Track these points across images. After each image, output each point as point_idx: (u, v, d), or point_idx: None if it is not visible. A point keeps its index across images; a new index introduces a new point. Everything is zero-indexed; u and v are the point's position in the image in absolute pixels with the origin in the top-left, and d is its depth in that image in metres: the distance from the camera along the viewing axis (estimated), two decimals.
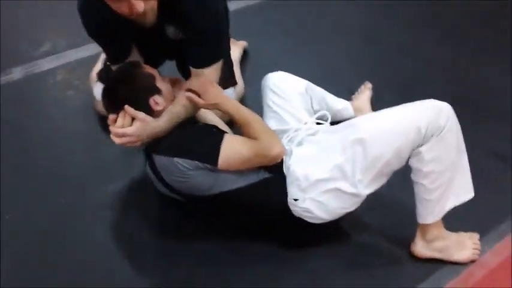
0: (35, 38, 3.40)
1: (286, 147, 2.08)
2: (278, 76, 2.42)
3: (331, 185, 1.99)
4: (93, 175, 2.53)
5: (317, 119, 2.32)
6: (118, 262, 2.18)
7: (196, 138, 2.03)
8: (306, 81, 2.48)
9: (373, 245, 2.21)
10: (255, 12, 3.71)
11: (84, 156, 2.63)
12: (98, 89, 2.69)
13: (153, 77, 2.06)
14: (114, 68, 2.24)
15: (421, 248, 2.12)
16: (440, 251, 2.11)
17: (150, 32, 2.09)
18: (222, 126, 2.31)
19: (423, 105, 1.99)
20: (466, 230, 2.17)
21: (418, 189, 2.03)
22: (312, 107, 2.46)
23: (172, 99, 2.09)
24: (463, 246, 2.13)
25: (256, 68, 3.08)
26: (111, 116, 2.03)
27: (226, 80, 2.21)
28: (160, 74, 2.11)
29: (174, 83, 2.16)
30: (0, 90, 2.99)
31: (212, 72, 2.15)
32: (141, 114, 1.99)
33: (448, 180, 1.99)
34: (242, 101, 2.73)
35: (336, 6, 3.74)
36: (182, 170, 1.97)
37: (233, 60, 2.76)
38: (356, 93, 2.86)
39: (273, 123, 2.28)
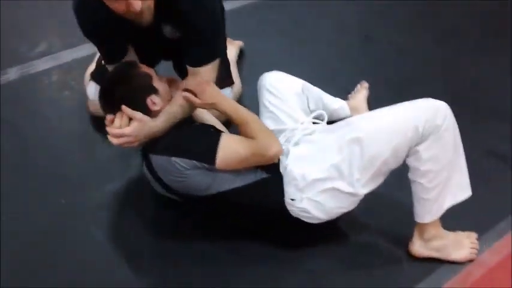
0: (31, 38, 3.38)
1: (283, 147, 2.07)
2: (274, 76, 2.41)
3: (329, 185, 1.98)
4: (90, 175, 2.52)
5: (314, 118, 2.32)
6: (116, 262, 2.18)
7: (193, 138, 2.03)
8: (302, 81, 2.47)
9: (371, 244, 2.21)
10: (251, 11, 3.70)
11: (80, 157, 2.62)
12: (91, 88, 2.71)
13: (149, 77, 2.06)
14: (110, 68, 2.23)
15: (418, 247, 2.11)
16: (438, 250, 2.10)
17: (146, 31, 2.08)
18: (219, 126, 2.30)
19: (420, 104, 1.99)
20: (464, 230, 2.17)
21: (415, 188, 2.03)
22: (309, 106, 2.46)
23: (169, 99, 2.09)
24: (460, 245, 2.12)
25: (252, 67, 3.07)
26: (109, 117, 2.02)
27: (223, 80, 2.20)
28: (157, 74, 2.11)
29: (170, 83, 2.15)
30: None
31: (209, 71, 2.15)
32: (138, 115, 1.99)
33: (445, 179, 1.99)
34: (239, 100, 2.73)
35: (333, 6, 3.74)
36: (180, 170, 1.97)
37: (230, 59, 2.76)
38: (352, 92, 2.86)
39: (269, 123, 2.27)
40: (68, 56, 3.21)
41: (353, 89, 2.87)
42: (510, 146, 2.60)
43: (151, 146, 2.04)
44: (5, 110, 2.84)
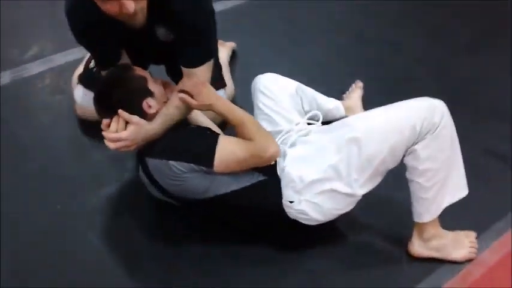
0: (23, 41, 3.36)
1: (280, 149, 2.05)
2: (268, 78, 2.40)
3: (326, 186, 1.97)
4: (85, 179, 2.50)
5: (308, 119, 2.32)
6: (113, 266, 2.16)
7: (191, 140, 2.01)
8: (296, 82, 2.46)
9: (370, 245, 2.20)
10: (242, 12, 3.68)
11: (75, 160, 2.60)
12: (78, 92, 2.70)
13: (145, 80, 2.04)
14: (103, 73, 2.21)
15: (418, 247, 2.11)
16: (437, 250, 2.10)
17: (139, 34, 2.07)
18: (214, 128, 2.30)
19: (417, 103, 1.99)
20: (464, 229, 2.17)
21: (413, 188, 2.02)
22: (303, 107, 2.45)
23: (164, 102, 2.08)
24: (460, 244, 2.12)
25: (245, 68, 3.06)
26: (105, 121, 2.01)
27: (216, 82, 2.19)
28: (151, 76, 2.09)
29: (165, 86, 2.14)
30: None
31: (204, 71, 2.13)
32: (135, 118, 1.98)
33: (443, 178, 1.99)
34: (232, 102, 2.69)
35: (325, 5, 3.72)
36: (177, 173, 1.95)
37: (222, 61, 2.76)
38: (347, 92, 2.85)
39: (264, 125, 2.25)
40: (60, 59, 3.18)
41: (347, 89, 2.86)
42: (509, 145, 2.60)
43: (148, 149, 2.03)
44: None
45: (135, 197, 2.39)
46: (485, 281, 2.07)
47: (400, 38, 3.41)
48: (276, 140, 2.15)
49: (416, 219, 2.06)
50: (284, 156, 2.07)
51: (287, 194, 2.01)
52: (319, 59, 3.26)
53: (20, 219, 2.32)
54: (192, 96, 2.02)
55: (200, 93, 2.01)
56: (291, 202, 2.00)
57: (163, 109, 2.05)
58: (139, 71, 2.08)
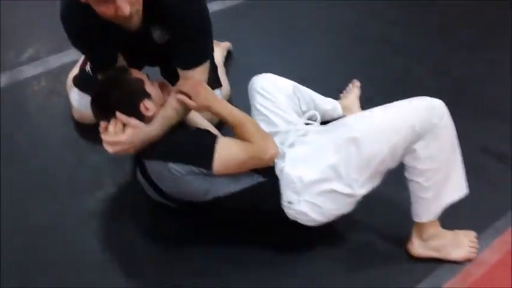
0: (18, 44, 3.35)
1: (279, 150, 2.05)
2: (265, 78, 2.39)
3: (326, 186, 1.97)
4: (82, 182, 2.49)
5: (307, 119, 2.31)
6: (111, 269, 2.15)
7: (190, 142, 2.01)
8: (293, 83, 2.45)
9: (370, 245, 2.19)
10: (238, 12, 3.67)
11: (72, 163, 2.59)
12: (74, 95, 2.69)
13: (142, 82, 2.04)
14: (100, 76, 2.20)
15: (417, 247, 2.10)
16: (437, 249, 2.10)
17: (134, 36, 2.06)
18: (212, 129, 2.29)
19: (416, 102, 1.98)
20: (463, 228, 2.16)
21: (413, 188, 2.02)
22: (300, 108, 2.44)
23: (162, 104, 2.07)
24: (459, 244, 2.12)
25: (241, 69, 3.06)
26: (103, 124, 2.00)
27: (211, 83, 2.19)
28: (148, 78, 2.09)
29: (162, 87, 2.13)
30: None
31: (200, 72, 2.13)
32: (133, 121, 1.97)
33: (443, 178, 1.98)
34: (229, 103, 2.68)
35: (321, 5, 3.71)
36: (176, 175, 1.95)
37: (217, 62, 2.74)
38: (344, 91, 2.84)
39: (263, 126, 2.21)
40: (57, 61, 3.17)
41: (345, 89, 2.85)
42: (509, 144, 2.60)
43: (146, 151, 2.02)
44: None
45: (133, 199, 2.38)
46: (485, 280, 2.06)
47: (398, 38, 3.40)
48: (275, 140, 2.12)
49: (416, 219, 2.06)
50: (283, 157, 2.06)
51: (286, 194, 2.00)
52: (316, 58, 3.25)
53: (17, 221, 2.31)
54: (190, 98, 2.01)
55: (198, 95, 2.00)
56: (290, 203, 2.00)
57: (161, 111, 2.04)
58: (136, 73, 2.07)
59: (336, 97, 2.74)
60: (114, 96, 1.98)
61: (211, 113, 2.06)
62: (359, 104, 2.77)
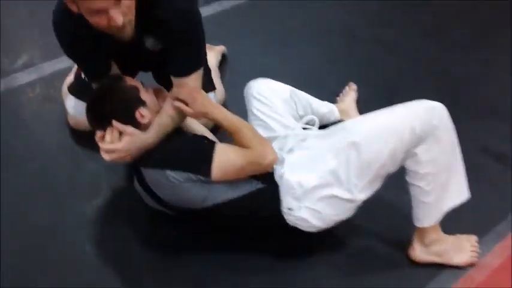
0: (12, 50, 3.33)
1: (277, 155, 2.03)
2: (261, 83, 2.38)
3: (326, 192, 1.95)
4: (78, 189, 2.47)
5: (305, 124, 2.30)
6: (107, 277, 2.13)
7: (187, 149, 2.00)
8: (290, 87, 2.45)
9: (371, 251, 2.18)
10: (232, 15, 3.66)
11: (67, 170, 2.57)
12: (70, 102, 2.68)
13: (136, 89, 2.03)
14: (94, 85, 2.20)
15: (419, 252, 2.09)
16: (438, 255, 2.08)
17: (127, 45, 2.05)
18: (209, 135, 2.29)
19: (416, 105, 1.98)
20: (464, 232, 2.15)
21: (414, 192, 2.01)
22: (297, 112, 2.44)
23: (157, 111, 2.06)
24: (461, 249, 2.10)
25: (236, 72, 3.05)
26: (99, 133, 1.99)
27: (204, 86, 2.19)
28: (143, 86, 2.08)
29: (157, 94, 2.13)
30: None
31: (194, 80, 2.12)
32: (129, 128, 1.96)
33: (444, 182, 1.97)
34: (224, 107, 2.68)
35: (317, 6, 3.70)
36: (174, 183, 1.93)
37: (211, 65, 2.74)
38: (341, 95, 2.84)
39: (260, 132, 2.21)
40: (51, 67, 3.16)
41: (341, 91, 2.84)
42: (509, 145, 2.59)
43: (143, 159, 2.01)
44: None
45: (130, 207, 2.35)
46: (487, 285, 2.05)
47: (396, 38, 3.40)
48: (273, 145, 2.12)
49: (417, 223, 2.04)
50: (282, 162, 2.05)
51: (286, 201, 1.99)
52: (311, 61, 3.25)
53: (14, 227, 2.29)
54: (186, 104, 2.00)
55: (195, 101, 1.99)
56: (290, 209, 1.98)
57: (156, 118, 2.04)
58: (130, 81, 2.07)
59: (332, 99, 2.73)
60: (109, 105, 1.98)
61: (208, 119, 2.05)
62: (356, 107, 2.76)
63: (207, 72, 2.54)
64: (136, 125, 1.98)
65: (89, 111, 2.03)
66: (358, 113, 2.71)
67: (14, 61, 3.23)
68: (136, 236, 2.27)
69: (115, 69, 2.20)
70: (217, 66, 3.04)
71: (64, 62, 3.03)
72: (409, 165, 1.96)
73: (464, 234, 2.14)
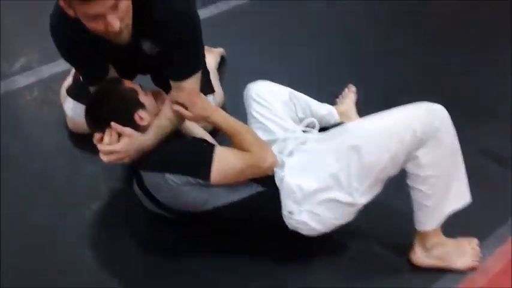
0: (10, 53, 3.32)
1: (277, 159, 2.03)
2: (260, 85, 2.38)
3: (327, 195, 1.94)
4: (76, 192, 2.46)
5: (305, 126, 2.30)
6: (107, 281, 2.12)
7: (186, 152, 2.00)
8: (289, 89, 2.44)
9: (372, 255, 2.16)
10: (231, 17, 3.65)
11: (66, 174, 2.56)
12: (69, 105, 2.67)
13: (135, 92, 2.03)
14: (92, 89, 2.19)
15: (420, 256, 2.08)
16: (440, 258, 2.07)
17: (125, 49, 2.06)
18: (208, 138, 2.28)
19: (416, 108, 1.97)
20: (465, 235, 2.14)
21: (415, 195, 2.00)
22: (297, 114, 2.43)
23: (156, 113, 2.06)
24: (462, 252, 2.09)
25: (235, 75, 3.04)
26: (97, 135, 1.99)
27: (203, 88, 2.19)
28: (142, 88, 2.08)
29: (156, 96, 2.13)
30: None
31: (192, 83, 2.12)
32: (128, 130, 1.96)
33: (446, 185, 1.97)
34: (223, 109, 2.67)
35: (316, 9, 3.69)
36: (173, 186, 1.93)
37: (210, 68, 2.73)
38: (340, 97, 2.83)
39: (260, 134, 2.21)
40: (49, 70, 3.15)
41: (340, 94, 2.83)
42: (510, 148, 2.58)
43: (142, 162, 2.01)
44: None
45: (129, 210, 2.34)
46: None
47: (395, 40, 3.39)
48: (273, 148, 2.12)
49: (419, 227, 2.03)
50: (282, 165, 2.04)
51: (287, 204, 1.98)
52: (311, 63, 3.24)
53: (13, 228, 2.29)
54: (186, 108, 2.00)
55: (195, 105, 1.99)
56: (291, 213, 1.98)
57: (155, 121, 2.04)
58: (129, 83, 2.07)
59: (331, 101, 2.73)
60: (108, 107, 1.98)
61: (207, 122, 2.05)
62: (355, 109, 2.75)
63: (206, 74, 2.54)
64: (135, 127, 1.98)
65: (88, 113, 2.03)
66: (357, 115, 2.70)
67: (13, 64, 3.22)
68: (135, 239, 2.27)
69: (113, 73, 2.20)
70: (216, 69, 3.03)
71: (62, 65, 2.99)
72: (410, 168, 1.95)
73: (465, 238, 2.13)
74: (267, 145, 2.02)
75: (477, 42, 3.36)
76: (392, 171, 1.94)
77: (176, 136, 2.12)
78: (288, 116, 2.35)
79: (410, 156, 1.91)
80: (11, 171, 2.54)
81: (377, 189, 1.98)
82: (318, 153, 2.04)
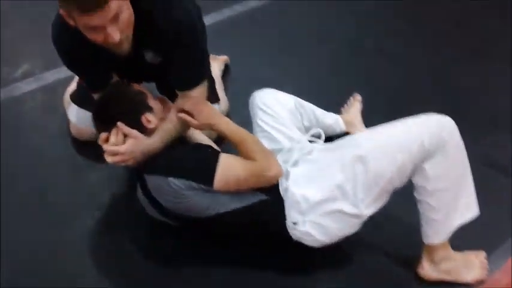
0: (12, 59, 3.31)
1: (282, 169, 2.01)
2: (266, 94, 2.37)
3: (332, 206, 1.93)
4: (79, 201, 2.44)
5: (311, 136, 2.29)
6: None
7: (191, 157, 2.01)
8: (295, 97, 2.43)
9: (378, 267, 2.14)
10: (234, 25, 3.64)
11: (69, 181, 2.55)
12: (72, 111, 2.67)
13: (144, 95, 2.06)
14: (95, 96, 2.19)
15: (428, 270, 2.05)
16: (448, 272, 2.05)
17: (126, 59, 2.07)
18: (212, 145, 2.26)
19: (424, 120, 1.96)
20: (471, 248, 2.11)
21: (423, 209, 1.98)
22: (303, 123, 2.42)
23: (163, 118, 2.07)
24: (471, 266, 2.07)
25: (240, 83, 3.03)
26: (103, 135, 1.99)
27: (209, 97, 2.22)
28: (150, 93, 2.10)
29: (162, 103, 2.13)
30: None
31: (200, 92, 2.12)
32: (134, 132, 1.97)
33: (453, 198, 1.95)
34: (227, 117, 2.67)
35: (320, 17, 3.69)
36: (176, 190, 1.92)
37: (215, 76, 2.73)
38: (345, 105, 2.81)
39: (265, 143, 2.19)
40: (51, 77, 3.14)
41: (345, 101, 2.82)
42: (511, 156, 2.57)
43: (147, 166, 2.01)
44: None
45: (131, 218, 2.34)
46: None
47: (397, 48, 3.38)
48: (277, 158, 2.10)
49: (427, 240, 2.01)
50: (287, 175, 2.02)
51: (291, 215, 1.96)
52: (314, 70, 3.23)
53: (12, 238, 2.26)
54: (192, 116, 2.00)
55: (201, 113, 2.00)
56: (295, 224, 1.96)
57: (162, 125, 2.04)
58: (138, 86, 2.10)
59: (336, 109, 2.71)
60: (116, 108, 2.00)
61: (213, 130, 2.06)
62: (361, 119, 2.73)
63: (211, 83, 2.53)
64: (142, 130, 1.99)
65: (96, 112, 2.05)
66: (362, 124, 2.69)
67: (15, 70, 3.21)
68: (138, 247, 2.26)
69: (116, 79, 2.21)
70: (221, 77, 3.02)
71: (64, 71, 2.96)
72: (418, 181, 1.93)
73: (473, 251, 2.10)
74: (272, 154, 2.01)
75: (478, 52, 3.35)
76: (399, 183, 1.93)
77: (181, 142, 2.12)
78: (293, 125, 2.34)
79: (417, 168, 1.90)
80: (13, 178, 2.53)
81: (383, 201, 1.96)
82: (324, 163, 2.02)
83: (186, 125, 2.08)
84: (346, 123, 2.64)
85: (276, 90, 2.39)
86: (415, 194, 1.96)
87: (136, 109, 2.01)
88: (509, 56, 3.29)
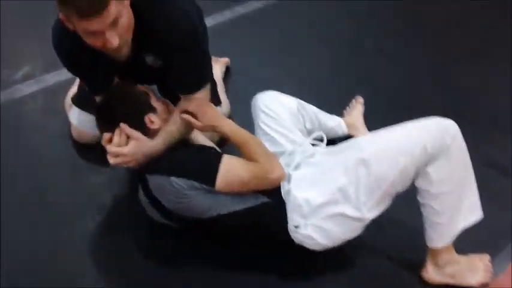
0: (13, 61, 3.31)
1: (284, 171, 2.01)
2: (268, 96, 2.36)
3: (334, 210, 1.92)
4: (80, 203, 2.44)
5: (313, 139, 2.28)
6: None
7: (194, 158, 2.01)
8: (297, 100, 2.42)
9: (382, 271, 2.13)
10: (235, 27, 3.63)
11: (70, 183, 2.54)
12: (74, 113, 2.66)
13: (148, 95, 2.06)
14: (97, 98, 2.19)
15: (432, 274, 2.05)
16: (452, 276, 2.04)
17: (126, 63, 2.07)
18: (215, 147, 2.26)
19: (428, 123, 1.95)
20: (474, 251, 2.10)
21: (426, 212, 1.97)
22: (305, 126, 2.41)
23: (166, 119, 2.07)
24: (475, 269, 2.06)
25: (241, 85, 3.03)
26: (106, 135, 2.00)
27: (211, 100, 2.21)
28: (154, 94, 2.11)
29: (165, 105, 2.14)
30: None
31: (203, 95, 2.12)
32: (136, 133, 1.97)
33: (457, 201, 1.94)
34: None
35: (321, 19, 3.68)
36: (178, 190, 1.92)
37: (216, 78, 2.73)
38: (348, 108, 2.80)
39: (267, 146, 2.19)
40: (52, 79, 3.14)
41: (345, 101, 2.81)
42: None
43: (150, 166, 2.01)
44: None
45: (133, 220, 2.33)
46: None
47: (397, 48, 3.38)
48: (280, 161, 2.09)
49: (431, 244, 2.01)
50: (289, 178, 2.02)
51: (293, 218, 1.96)
52: (316, 72, 3.23)
53: (12, 241, 2.26)
54: (195, 117, 2.00)
55: (205, 115, 2.01)
56: (297, 227, 1.96)
57: (165, 127, 2.04)
58: (141, 87, 2.10)
59: (337, 110, 2.71)
60: (120, 108, 2.01)
61: (216, 132, 2.06)
62: (363, 121, 2.73)
63: (213, 85, 2.53)
64: (145, 130, 2.00)
65: (99, 112, 2.05)
66: (365, 127, 2.69)
67: (15, 72, 3.20)
68: (140, 249, 2.25)
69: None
70: (222, 79, 3.02)
71: (65, 73, 2.95)
72: (421, 184, 1.93)
73: (477, 254, 2.09)
74: (275, 157, 2.01)
75: (478, 52, 3.35)
76: (401, 186, 1.93)
77: (183, 145, 2.12)
78: (295, 127, 2.33)
79: (420, 171, 1.89)
80: (13, 180, 2.52)
81: (385, 204, 1.96)
82: (326, 166, 2.02)
83: (189, 127, 2.08)
84: (349, 125, 2.63)
85: (279, 93, 2.38)
86: (419, 198, 1.96)
87: (141, 109, 2.02)
88: (509, 56, 3.29)
